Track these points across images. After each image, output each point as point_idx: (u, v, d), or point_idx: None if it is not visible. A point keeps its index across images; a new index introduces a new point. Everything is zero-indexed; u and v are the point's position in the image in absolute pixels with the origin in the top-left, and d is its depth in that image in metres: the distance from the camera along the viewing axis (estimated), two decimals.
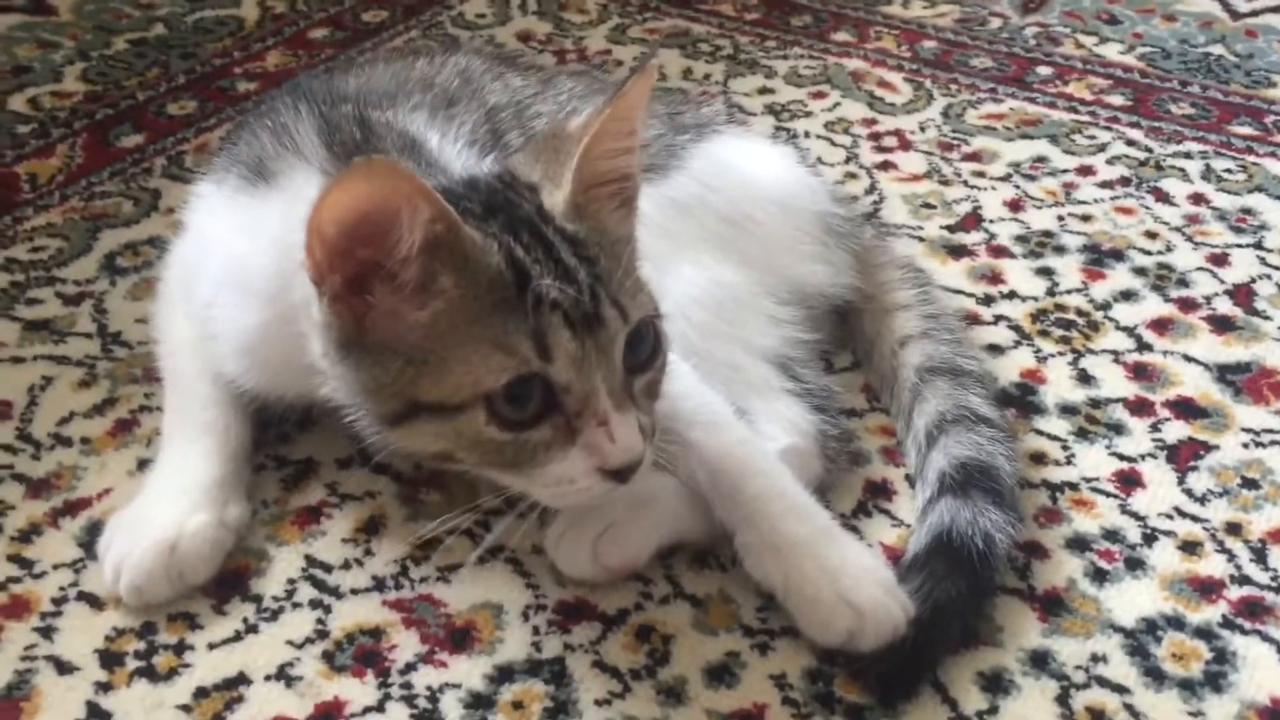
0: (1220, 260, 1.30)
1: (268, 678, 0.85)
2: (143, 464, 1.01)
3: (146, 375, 1.09)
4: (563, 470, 0.79)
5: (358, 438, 1.01)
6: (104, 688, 0.84)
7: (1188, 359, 1.17)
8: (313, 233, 0.74)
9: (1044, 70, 1.68)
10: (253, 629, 0.88)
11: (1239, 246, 1.32)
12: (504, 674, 0.86)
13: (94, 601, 0.90)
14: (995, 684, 0.86)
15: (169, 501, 0.91)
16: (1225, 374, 1.15)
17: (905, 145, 1.52)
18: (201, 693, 0.84)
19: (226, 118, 1.54)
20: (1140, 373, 1.15)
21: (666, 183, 1.04)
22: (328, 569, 0.93)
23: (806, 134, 1.54)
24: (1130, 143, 1.52)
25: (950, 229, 1.35)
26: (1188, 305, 1.24)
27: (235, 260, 0.91)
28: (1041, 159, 1.49)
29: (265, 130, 0.95)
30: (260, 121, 0.98)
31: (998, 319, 1.22)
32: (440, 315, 0.76)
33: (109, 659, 0.86)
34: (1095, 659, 0.88)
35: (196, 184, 1.04)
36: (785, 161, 1.15)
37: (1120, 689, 0.86)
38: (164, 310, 1.04)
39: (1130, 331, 1.20)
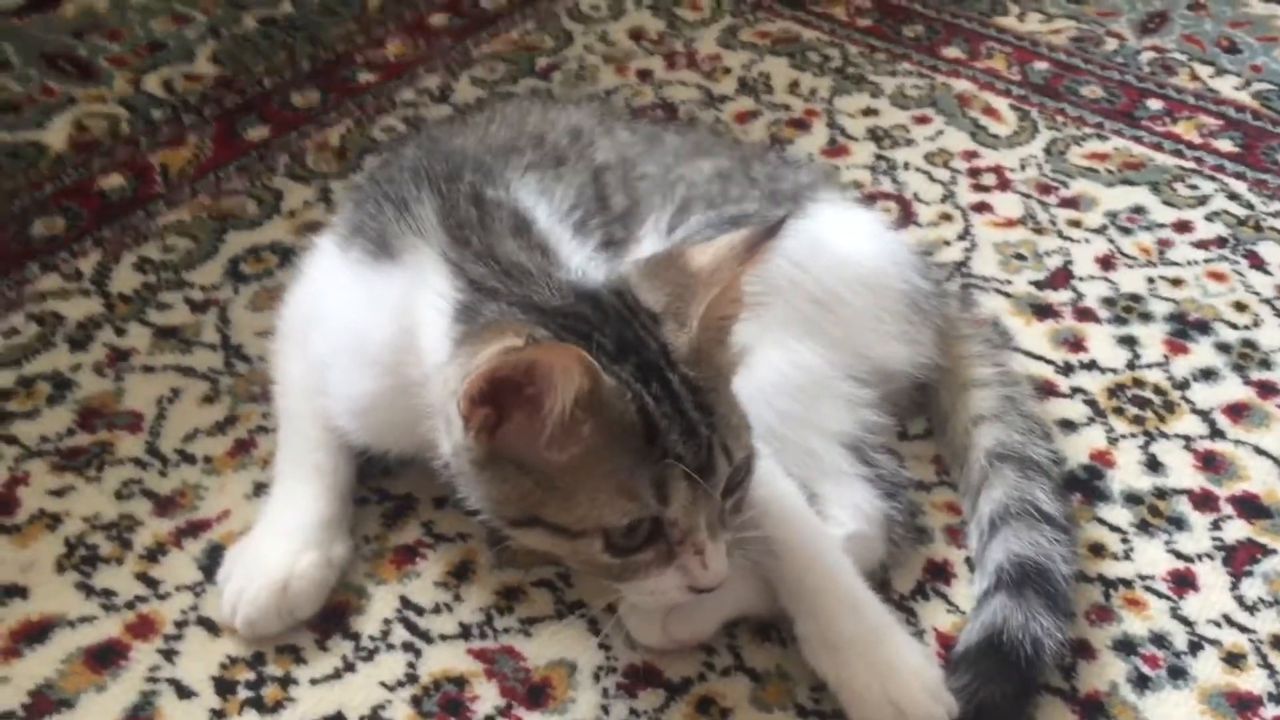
0: None
1: (362, 718, 0.94)
2: (259, 487, 1.10)
3: (264, 394, 1.17)
4: (657, 585, 0.88)
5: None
6: (218, 715, 0.94)
7: (1259, 451, 1.19)
8: (468, 384, 0.81)
9: (1154, 104, 1.67)
10: (350, 668, 0.97)
11: None
12: None
13: (211, 627, 1.00)
14: None
15: (282, 540, 1.00)
16: None
17: (1004, 184, 1.53)
18: None
19: (346, 112, 1.60)
20: (1209, 463, 1.18)
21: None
22: (420, 611, 1.01)
23: (906, 165, 1.56)
24: (1232, 196, 1.52)
25: (1039, 285, 1.38)
26: (1267, 390, 1.26)
27: (355, 329, 0.98)
28: (1140, 210, 1.49)
29: (389, 204, 1.01)
30: (383, 191, 1.03)
31: (1074, 391, 1.25)
32: (576, 456, 0.84)
33: (223, 687, 0.96)
34: None
35: (320, 237, 1.11)
36: (876, 232, 1.18)
37: None
38: (282, 350, 1.12)
39: (1205, 415, 1.23)
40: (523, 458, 0.85)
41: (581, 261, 0.98)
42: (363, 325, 0.98)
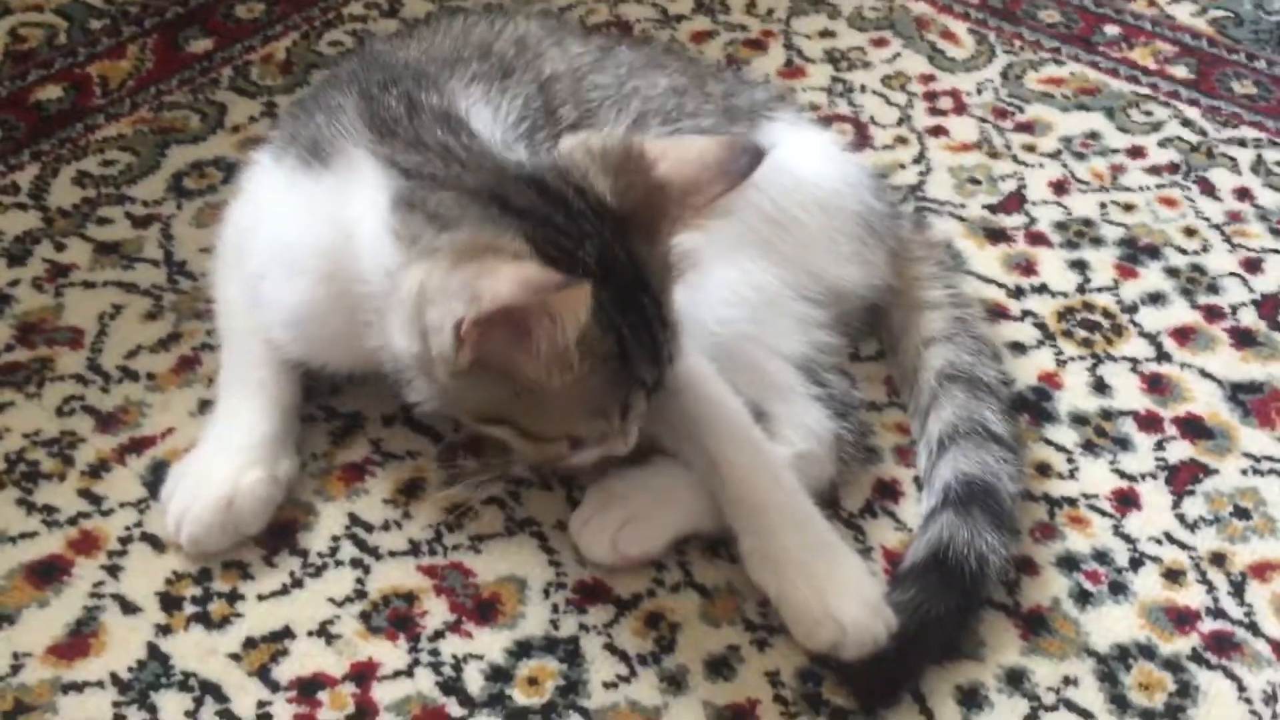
0: (1254, 266, 1.33)
1: (310, 633, 0.94)
2: (203, 404, 1.08)
3: (208, 311, 1.14)
4: (582, 459, 0.94)
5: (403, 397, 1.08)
6: (163, 630, 0.93)
7: (1204, 374, 1.20)
8: (482, 314, 0.80)
9: (1111, 30, 1.66)
10: (298, 583, 0.97)
11: (1275, 252, 1.34)
12: (523, 649, 0.94)
13: (156, 543, 0.98)
14: (971, 699, 0.94)
15: (225, 457, 0.99)
16: (1238, 393, 1.19)
17: (960, 108, 1.52)
18: (250, 643, 0.93)
19: (293, 25, 1.56)
20: (1155, 385, 1.19)
21: None
22: (369, 528, 1.01)
23: (863, 88, 1.54)
24: (1186, 122, 1.52)
25: (992, 209, 1.37)
26: (1213, 314, 1.27)
27: (288, 238, 0.96)
28: (1094, 135, 1.49)
29: (320, 112, 0.99)
30: (316, 101, 1.01)
31: (1025, 314, 1.25)
32: (561, 384, 0.85)
33: (169, 602, 0.95)
34: (1067, 681, 0.95)
35: (257, 153, 1.08)
36: (832, 153, 1.17)
37: (1086, 714, 0.93)
38: (220, 270, 1.10)
39: (1153, 339, 1.24)
40: (505, 372, 0.85)
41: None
42: (296, 233, 0.96)
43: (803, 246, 1.10)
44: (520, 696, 0.91)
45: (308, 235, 0.95)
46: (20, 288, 1.18)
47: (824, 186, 1.13)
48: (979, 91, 1.55)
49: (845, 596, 0.93)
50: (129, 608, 0.94)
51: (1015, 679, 0.95)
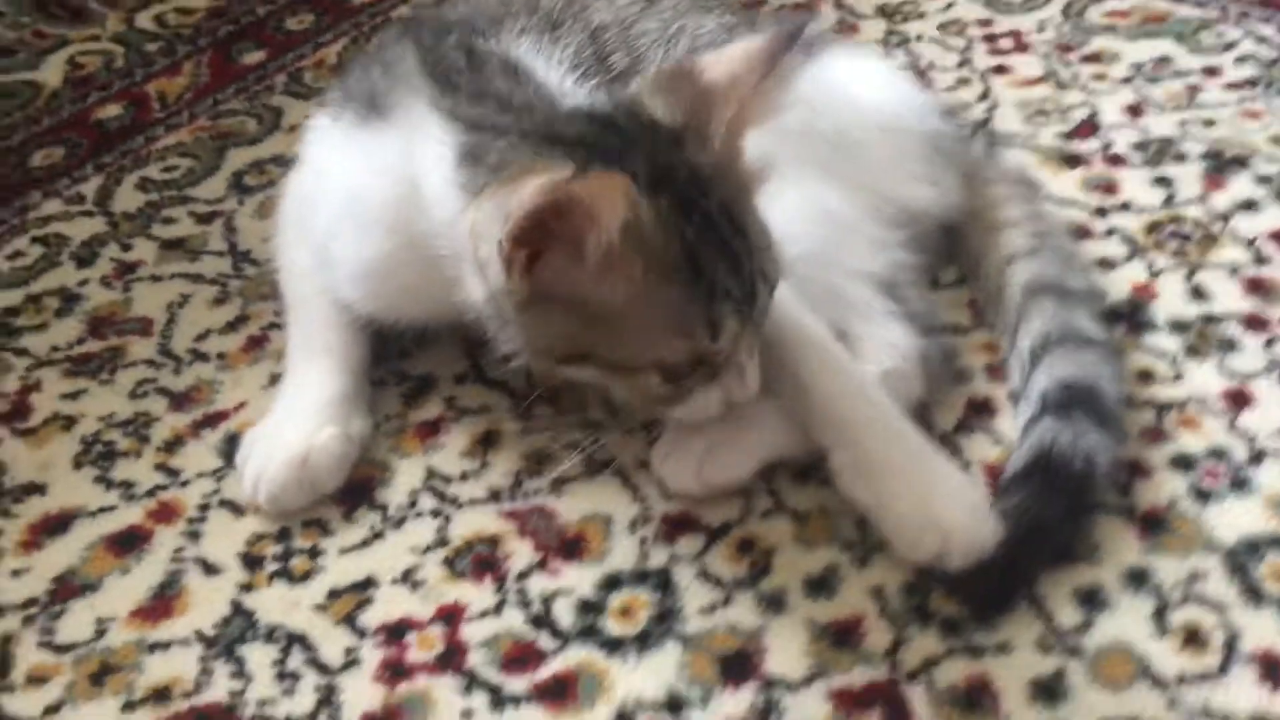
0: None
1: (394, 581, 0.91)
2: (273, 379, 1.07)
3: (274, 292, 1.14)
4: (699, 404, 0.89)
5: (474, 354, 1.07)
6: (246, 588, 0.91)
7: None
8: (510, 217, 0.78)
9: None
10: (379, 535, 0.94)
11: None
12: (612, 582, 0.90)
13: (235, 508, 0.97)
14: (1092, 600, 0.88)
15: (298, 418, 0.97)
16: None
17: (1022, 47, 1.48)
18: (334, 593, 0.90)
19: (343, 32, 1.57)
20: (1257, 288, 1.13)
21: None
22: (447, 480, 0.98)
23: (919, 37, 1.51)
24: (1261, 39, 1.46)
25: (1065, 137, 1.33)
26: None
27: (354, 194, 0.95)
28: (1165, 59, 1.44)
29: (376, 66, 0.98)
30: (371, 58, 1.01)
31: (1110, 232, 1.20)
32: (624, 296, 0.82)
33: (250, 561, 0.93)
34: (1194, 577, 0.89)
35: (312, 118, 1.08)
36: (892, 79, 1.14)
37: (1218, 607, 0.87)
38: (283, 239, 1.09)
39: (1249, 244, 1.18)
40: (569, 297, 0.83)
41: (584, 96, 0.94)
42: (361, 188, 0.95)
43: (869, 169, 1.07)
44: (614, 626, 0.87)
45: (374, 188, 0.94)
46: (89, 286, 1.18)
47: (885, 109, 1.10)
48: (1040, 30, 1.51)
49: (947, 502, 0.88)
50: (211, 569, 0.93)
51: (1137, 578, 0.89)
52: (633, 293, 0.82)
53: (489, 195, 0.83)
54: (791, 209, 1.01)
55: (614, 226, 0.78)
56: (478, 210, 0.84)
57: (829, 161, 1.05)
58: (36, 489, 0.99)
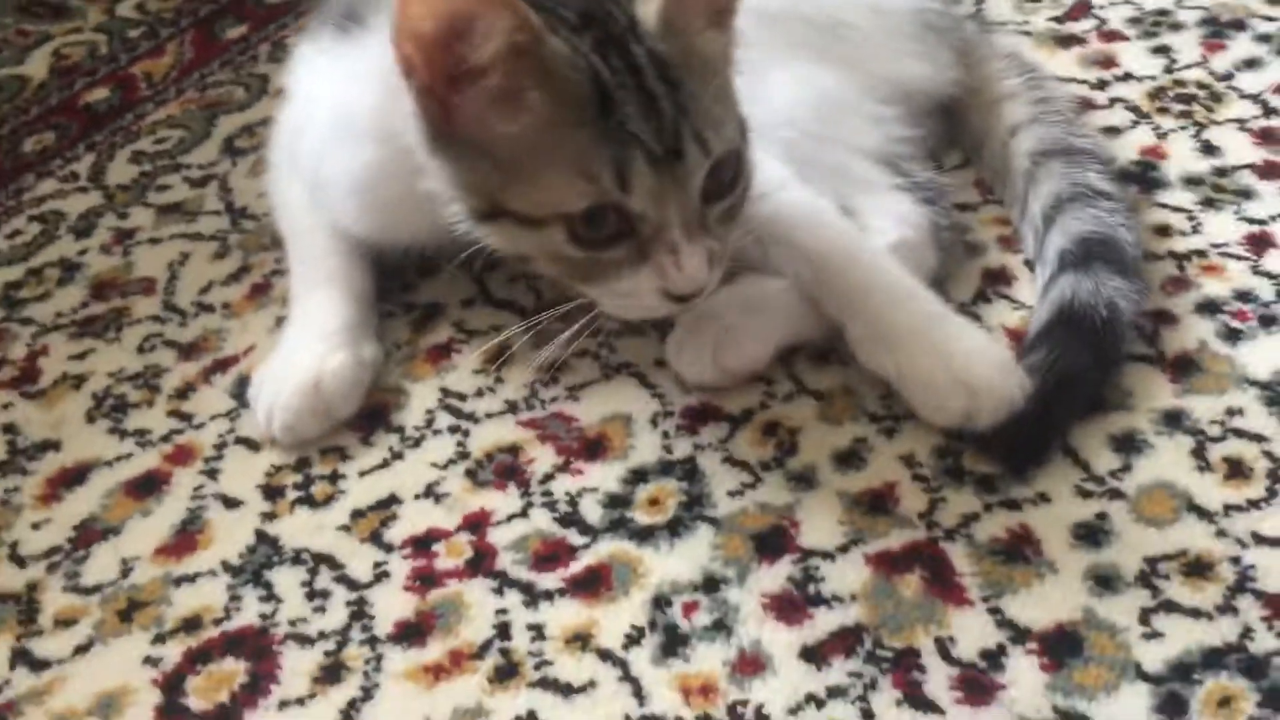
0: None
1: (417, 496, 0.89)
2: (279, 322, 1.05)
3: (274, 242, 1.13)
4: (630, 286, 0.82)
5: (479, 278, 1.05)
6: (269, 517, 0.90)
7: None
8: (400, 25, 0.76)
9: None
10: (398, 456, 0.93)
11: None
12: (638, 475, 0.89)
13: (251, 444, 0.95)
14: (1128, 445, 0.86)
15: (307, 347, 0.96)
16: None
17: None
18: (358, 514, 0.89)
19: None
20: (1268, 137, 1.11)
21: None
22: (462, 398, 0.97)
23: None
24: None
25: (1058, 20, 1.31)
26: None
27: (341, 105, 0.94)
28: None
29: None
30: None
31: (1113, 102, 1.18)
32: (527, 129, 0.78)
33: (271, 492, 0.91)
34: (1231, 413, 0.87)
35: (295, 49, 1.07)
36: None
37: (1259, 438, 0.85)
38: (276, 176, 1.08)
39: (1255, 98, 1.15)
40: (477, 136, 0.80)
41: None
42: (346, 100, 0.93)
43: (859, 47, 1.05)
44: (643, 517, 0.86)
45: (359, 97, 0.92)
46: (89, 255, 1.17)
47: None
48: None
49: (970, 360, 0.86)
50: (231, 503, 0.91)
51: (1173, 419, 0.87)
52: (530, 124, 0.78)
53: None
54: (786, 92, 1.00)
55: (499, 39, 0.75)
56: None
57: (820, 43, 1.04)
58: (51, 446, 0.98)
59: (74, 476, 0.95)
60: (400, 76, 0.80)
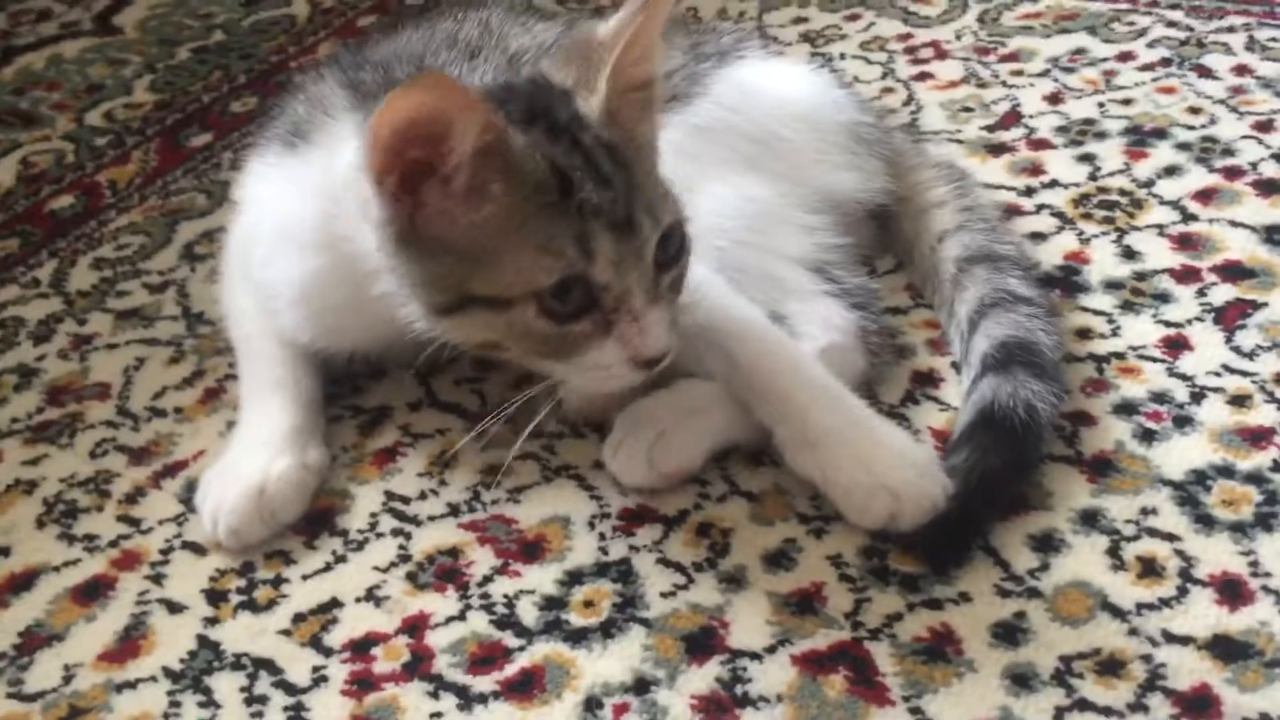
0: (1266, 127, 1.30)
1: (358, 599, 0.91)
2: (231, 426, 1.07)
3: (228, 348, 1.15)
4: (599, 358, 0.86)
5: (425, 381, 1.08)
6: (211, 622, 0.91)
7: (1234, 224, 1.17)
8: (373, 132, 0.81)
9: None
10: (341, 559, 0.95)
11: None
12: (574, 577, 0.91)
13: (197, 549, 0.97)
14: (1046, 544, 0.89)
15: (253, 452, 0.98)
16: (1272, 234, 1.15)
17: (941, 55, 1.53)
18: (299, 618, 0.90)
19: None
20: (1186, 243, 1.16)
21: (690, 109, 1.08)
22: (406, 500, 0.99)
23: (842, 55, 1.56)
24: (1171, 24, 1.51)
25: (990, 129, 1.36)
26: (1233, 173, 1.24)
27: (283, 216, 0.98)
28: (1080, 51, 1.49)
29: (298, 100, 1.02)
30: (294, 94, 1.04)
31: (1040, 208, 1.23)
32: (491, 218, 0.83)
33: (214, 596, 0.93)
34: (1145, 512, 0.90)
35: (246, 163, 1.11)
36: (809, 76, 1.17)
37: (1171, 537, 0.88)
38: (227, 285, 1.11)
39: (1175, 204, 1.21)
40: (444, 233, 0.84)
41: None
42: (290, 211, 0.97)
43: (791, 160, 1.09)
44: (577, 619, 0.88)
45: (303, 209, 0.96)
46: (46, 360, 1.20)
47: (804, 102, 1.13)
48: (958, 38, 1.56)
49: (892, 463, 0.90)
50: (175, 608, 0.93)
51: (1090, 519, 0.90)
52: (497, 212, 0.83)
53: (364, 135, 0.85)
54: (718, 202, 1.04)
55: (468, 141, 0.80)
56: (354, 152, 0.87)
57: (751, 156, 1.08)
58: (1, 551, 0.99)
59: (21, 582, 0.96)
60: (369, 184, 0.84)
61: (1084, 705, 0.78)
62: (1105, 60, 1.46)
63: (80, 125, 1.63)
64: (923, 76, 1.49)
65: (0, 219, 1.45)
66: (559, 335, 0.85)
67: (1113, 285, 1.12)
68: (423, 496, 0.99)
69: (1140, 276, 1.12)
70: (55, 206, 1.46)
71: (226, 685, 0.86)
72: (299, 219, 0.96)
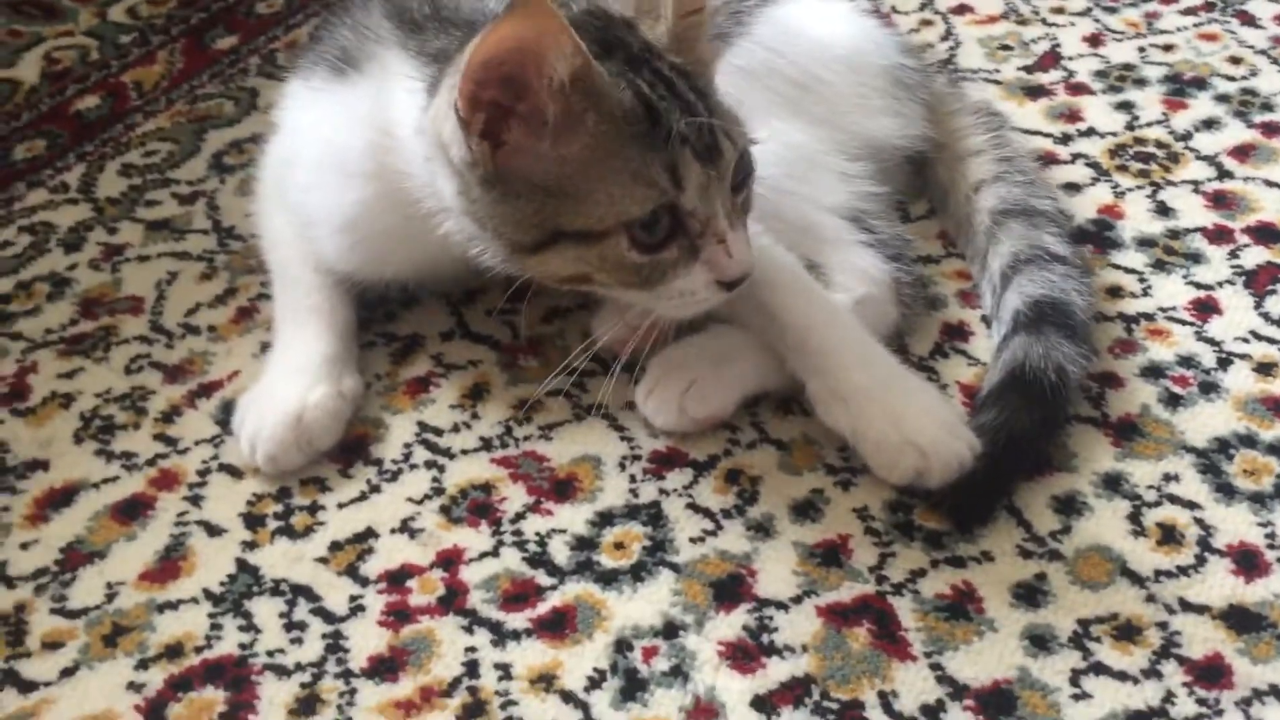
0: None
1: (393, 531, 0.93)
2: (264, 347, 1.09)
3: (260, 265, 1.16)
4: (686, 284, 0.88)
5: (459, 311, 1.09)
6: (249, 546, 0.93)
7: (1269, 184, 1.17)
8: (467, 71, 0.80)
9: None
10: (376, 489, 0.97)
11: None
12: (605, 519, 0.93)
13: (234, 472, 0.99)
14: (1069, 506, 0.91)
15: (290, 379, 1.00)
16: None
17: None
18: (336, 546, 0.93)
19: (313, 13, 1.58)
20: (1220, 201, 1.16)
21: (734, 50, 1.07)
22: (439, 432, 1.01)
23: None
24: None
25: (1028, 70, 1.35)
26: (1271, 130, 1.23)
27: (331, 146, 0.97)
28: None
29: (344, 24, 1.01)
30: (339, 18, 1.03)
31: (1075, 157, 1.23)
32: (582, 151, 0.83)
33: (252, 521, 0.95)
34: (1167, 478, 0.92)
35: (286, 84, 1.10)
36: (852, 17, 1.16)
37: (1191, 505, 0.90)
38: (263, 207, 1.11)
39: (1211, 160, 1.20)
40: (531, 171, 0.84)
41: None
42: (338, 139, 0.97)
43: (832, 105, 1.09)
44: (608, 560, 0.90)
45: (351, 138, 0.96)
46: (78, 270, 1.20)
47: (845, 45, 1.12)
48: None
49: (921, 421, 0.91)
50: (214, 530, 0.95)
51: (1113, 483, 0.92)
52: (589, 144, 0.83)
53: (444, 81, 0.86)
54: (759, 149, 1.03)
55: (562, 69, 0.80)
56: (436, 96, 0.87)
57: (792, 99, 1.08)
58: (39, 465, 1.01)
59: (62, 498, 0.98)
60: (454, 126, 0.84)
61: (1100, 669, 0.81)
62: (1147, 1, 1.44)
63: (104, 21, 1.60)
64: (961, 9, 1.47)
65: (26, 118, 1.44)
66: (649, 264, 0.86)
67: (1145, 243, 1.12)
68: (455, 429, 1.01)
69: (1173, 235, 1.13)
70: (81, 107, 1.44)
71: (266, 610, 0.89)
72: (346, 147, 0.95)
